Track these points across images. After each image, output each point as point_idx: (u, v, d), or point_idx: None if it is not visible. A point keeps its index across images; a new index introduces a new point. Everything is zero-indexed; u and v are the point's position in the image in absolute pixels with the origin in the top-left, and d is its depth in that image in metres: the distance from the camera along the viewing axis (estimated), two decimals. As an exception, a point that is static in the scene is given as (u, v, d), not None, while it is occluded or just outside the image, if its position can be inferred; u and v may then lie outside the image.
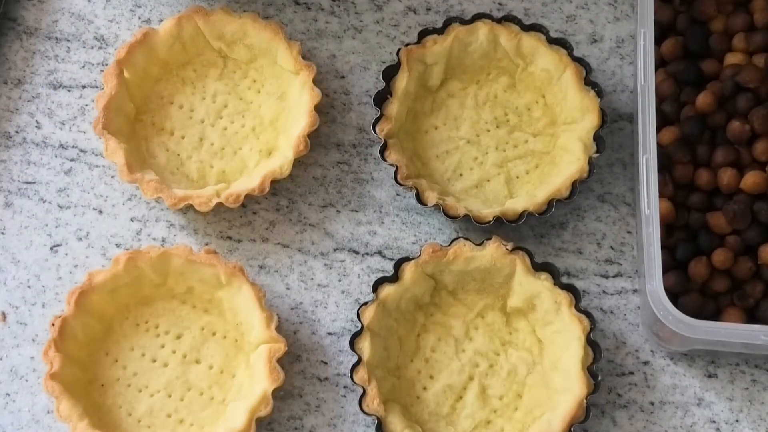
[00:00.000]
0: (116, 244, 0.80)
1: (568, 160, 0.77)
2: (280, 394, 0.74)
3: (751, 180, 0.73)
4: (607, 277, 0.79)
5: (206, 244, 0.79)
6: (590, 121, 0.78)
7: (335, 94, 0.84)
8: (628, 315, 0.77)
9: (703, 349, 0.74)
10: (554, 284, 0.74)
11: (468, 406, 0.73)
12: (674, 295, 0.72)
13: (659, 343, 0.75)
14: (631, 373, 0.76)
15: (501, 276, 0.75)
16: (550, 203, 0.76)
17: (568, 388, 0.71)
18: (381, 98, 0.79)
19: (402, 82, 0.79)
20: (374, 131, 0.78)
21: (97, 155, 0.82)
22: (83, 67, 0.85)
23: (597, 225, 0.80)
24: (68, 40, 0.86)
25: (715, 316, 0.73)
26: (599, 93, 0.78)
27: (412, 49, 0.80)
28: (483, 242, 0.75)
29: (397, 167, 0.77)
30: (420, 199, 0.76)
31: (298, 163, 0.78)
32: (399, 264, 0.75)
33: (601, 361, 0.73)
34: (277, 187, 0.81)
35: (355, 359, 0.72)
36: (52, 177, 0.82)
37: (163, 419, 0.72)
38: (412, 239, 0.80)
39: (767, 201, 0.73)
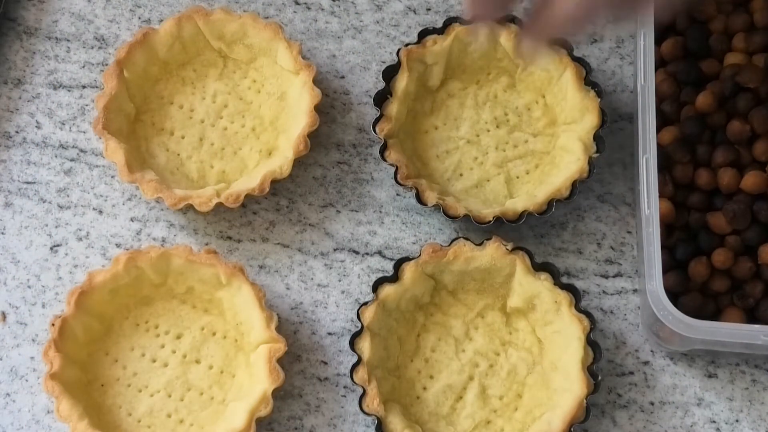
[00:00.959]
0: (116, 244, 0.80)
1: (568, 160, 0.77)
2: (280, 394, 0.74)
3: (751, 180, 0.73)
4: (607, 277, 0.79)
5: (206, 244, 0.79)
6: (590, 121, 0.78)
7: (335, 94, 0.84)
8: (628, 315, 0.77)
9: (703, 349, 0.74)
10: (554, 284, 0.74)
11: (468, 406, 0.73)
12: (674, 295, 0.72)
13: (659, 343, 0.75)
14: (631, 373, 0.76)
15: (501, 276, 0.75)
16: (550, 203, 0.76)
17: (568, 388, 0.71)
18: (381, 98, 0.79)
19: (402, 82, 0.79)
20: (374, 131, 0.78)
21: (97, 155, 0.82)
22: (83, 67, 0.85)
23: (597, 225, 0.80)
24: (68, 40, 0.86)
25: (715, 316, 0.73)
26: (599, 93, 0.78)
27: (412, 49, 0.80)
28: (483, 242, 0.75)
29: (397, 167, 0.77)
30: (420, 199, 0.76)
31: (298, 163, 0.78)
32: (399, 264, 0.75)
33: (601, 361, 0.73)
34: (277, 187, 0.81)
35: (355, 359, 0.72)
36: (52, 177, 0.82)
37: (163, 419, 0.72)
38: (412, 239, 0.80)
39: (767, 201, 0.73)
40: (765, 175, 0.74)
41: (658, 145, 0.73)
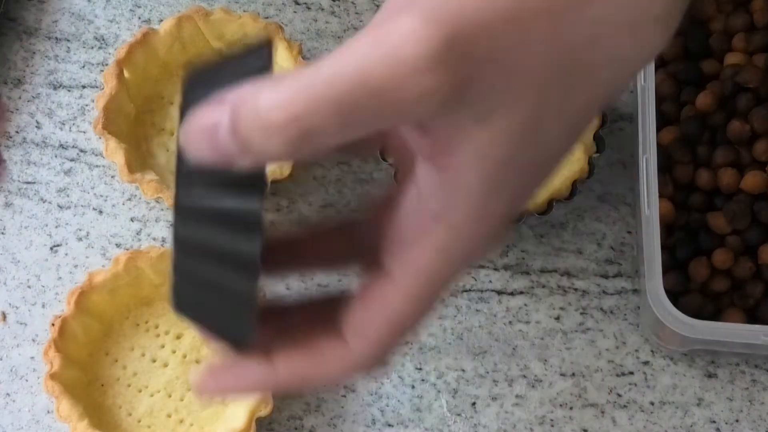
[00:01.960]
0: (116, 244, 0.80)
1: (568, 160, 0.77)
2: (280, 394, 0.74)
3: (751, 180, 0.73)
4: (607, 277, 0.79)
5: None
6: (590, 121, 0.78)
7: (335, 94, 0.84)
8: (628, 315, 0.77)
9: (703, 349, 0.74)
10: None
11: None
12: (674, 295, 0.72)
13: (659, 343, 0.75)
14: (631, 373, 0.76)
15: None
16: (550, 203, 0.76)
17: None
18: (381, 98, 0.79)
19: (402, 82, 0.79)
20: (374, 131, 0.78)
21: (97, 155, 0.82)
22: (83, 67, 0.85)
23: (597, 225, 0.80)
24: (68, 40, 0.86)
25: (715, 316, 0.73)
26: (599, 93, 0.78)
27: (412, 49, 0.80)
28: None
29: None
30: (420, 199, 0.76)
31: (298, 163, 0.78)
32: (399, 264, 0.75)
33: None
34: (277, 187, 0.81)
35: (355, 359, 0.72)
36: (52, 177, 0.81)
37: (163, 419, 0.72)
38: (412, 239, 0.80)
39: (767, 201, 0.73)
40: (765, 175, 0.74)
41: (658, 145, 0.73)
